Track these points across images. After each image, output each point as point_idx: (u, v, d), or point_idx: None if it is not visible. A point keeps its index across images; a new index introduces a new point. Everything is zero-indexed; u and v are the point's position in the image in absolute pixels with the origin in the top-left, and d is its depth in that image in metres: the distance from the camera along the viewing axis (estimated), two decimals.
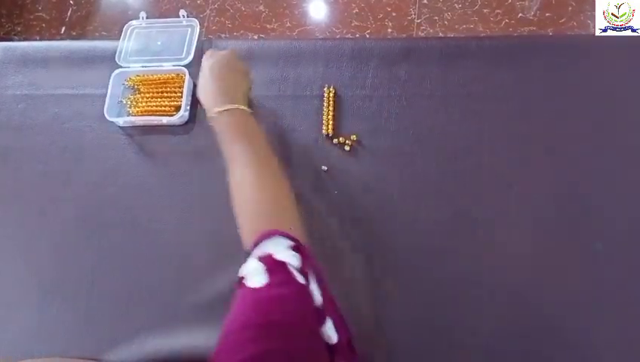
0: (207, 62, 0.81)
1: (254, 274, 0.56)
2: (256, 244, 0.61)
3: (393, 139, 0.88)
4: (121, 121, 0.95)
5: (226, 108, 0.75)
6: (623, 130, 0.84)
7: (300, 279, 0.57)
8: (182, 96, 0.93)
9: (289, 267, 0.57)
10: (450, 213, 0.83)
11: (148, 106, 0.95)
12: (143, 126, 0.95)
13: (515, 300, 0.78)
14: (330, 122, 0.90)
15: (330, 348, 0.55)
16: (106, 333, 0.84)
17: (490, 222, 0.82)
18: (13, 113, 1.01)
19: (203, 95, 0.79)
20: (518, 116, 0.87)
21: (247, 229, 0.67)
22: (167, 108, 0.94)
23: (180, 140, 0.94)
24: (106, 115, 0.93)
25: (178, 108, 0.93)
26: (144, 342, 0.82)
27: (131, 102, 0.96)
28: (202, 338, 0.81)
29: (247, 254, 0.61)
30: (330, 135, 0.89)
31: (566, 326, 0.76)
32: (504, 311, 0.77)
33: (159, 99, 0.95)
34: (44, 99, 1.01)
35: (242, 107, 0.76)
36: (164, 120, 0.93)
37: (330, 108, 0.90)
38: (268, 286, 0.55)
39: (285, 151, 0.90)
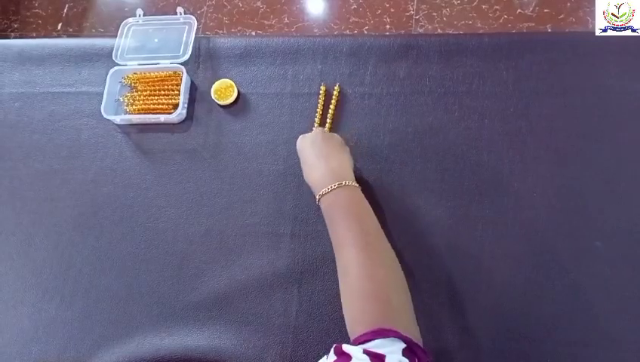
0: (302, 144, 0.79)
1: None
2: (366, 339, 0.58)
3: (392, 136, 0.87)
4: (118, 119, 0.94)
5: (334, 186, 0.71)
6: (623, 130, 0.84)
7: None
8: (179, 94, 0.93)
9: None
10: (449, 211, 0.83)
11: (145, 104, 0.94)
12: (141, 124, 0.95)
13: (515, 299, 0.78)
14: (329, 120, 0.89)
15: None
16: (103, 333, 0.84)
17: (489, 220, 0.82)
18: (10, 111, 1.00)
19: (310, 177, 0.76)
20: (518, 114, 0.86)
21: (352, 316, 0.64)
22: (164, 107, 0.94)
23: (178, 138, 0.94)
24: (103, 113, 0.92)
25: (176, 106, 0.93)
26: (142, 342, 0.82)
27: (128, 100, 0.96)
28: (201, 338, 0.81)
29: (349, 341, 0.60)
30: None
31: (566, 326, 0.76)
32: (504, 310, 0.77)
33: (156, 97, 0.95)
34: (40, 97, 1.00)
35: (351, 183, 0.73)
36: (162, 118, 0.92)
37: (331, 106, 0.90)
38: None
39: (282, 150, 0.90)
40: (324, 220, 0.84)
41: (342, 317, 0.77)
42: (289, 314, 0.80)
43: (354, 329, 0.62)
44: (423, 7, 1.82)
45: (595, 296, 0.76)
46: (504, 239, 0.80)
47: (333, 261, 0.81)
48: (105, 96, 0.94)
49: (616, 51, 0.88)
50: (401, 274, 0.68)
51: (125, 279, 0.86)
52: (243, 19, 1.92)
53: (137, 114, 0.94)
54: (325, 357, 0.57)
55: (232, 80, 0.94)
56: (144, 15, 1.00)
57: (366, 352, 0.55)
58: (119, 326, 0.84)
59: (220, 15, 1.94)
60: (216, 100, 0.93)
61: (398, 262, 0.69)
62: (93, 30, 2.02)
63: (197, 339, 0.81)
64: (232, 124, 0.93)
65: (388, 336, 0.57)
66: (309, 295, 0.81)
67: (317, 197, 0.73)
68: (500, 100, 0.87)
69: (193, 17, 0.98)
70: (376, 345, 0.57)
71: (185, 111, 0.94)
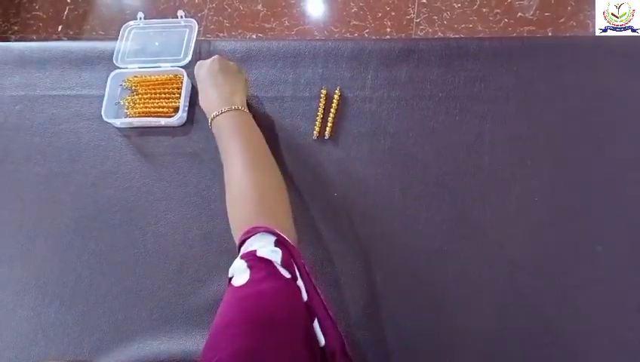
0: (199, 72, 0.83)
1: (239, 273, 0.57)
2: (242, 242, 0.62)
3: (393, 140, 0.87)
4: (118, 122, 0.94)
5: (223, 110, 0.77)
6: (624, 131, 0.84)
7: (285, 274, 0.58)
8: (180, 97, 0.93)
9: (273, 263, 0.58)
10: (450, 214, 0.83)
11: (146, 107, 0.94)
12: (141, 127, 0.95)
13: (516, 301, 0.78)
14: (329, 123, 0.89)
15: (323, 353, 0.56)
16: (103, 336, 0.84)
17: (490, 223, 0.82)
18: (10, 114, 1.00)
19: (204, 103, 0.82)
20: (519, 117, 0.86)
21: (235, 226, 0.68)
22: (165, 110, 0.94)
23: (178, 142, 0.93)
24: (103, 117, 0.92)
25: (176, 110, 0.93)
26: (142, 345, 0.82)
27: (129, 103, 0.95)
28: (201, 341, 0.80)
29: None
30: (328, 137, 0.89)
31: (566, 328, 0.76)
32: (504, 312, 0.77)
33: (157, 101, 0.94)
34: (41, 100, 1.00)
35: (239, 107, 0.78)
36: (162, 121, 0.92)
37: (332, 109, 0.90)
38: (250, 282, 0.56)
39: (284, 153, 0.89)
40: (323, 223, 0.84)
41: (341, 318, 0.78)
42: None
43: (235, 236, 0.66)
44: (424, 10, 1.82)
45: (597, 299, 0.76)
46: (505, 243, 0.80)
47: (333, 264, 0.82)
48: (105, 99, 0.94)
49: (617, 52, 0.88)
50: (279, 179, 0.74)
51: (125, 283, 0.86)
52: (243, 22, 1.92)
53: (138, 117, 0.94)
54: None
55: None
56: (145, 18, 1.00)
57: (242, 257, 0.59)
58: (119, 330, 0.83)
59: (220, 18, 1.94)
60: None
61: (279, 172, 0.75)
62: (94, 33, 2.01)
63: (197, 343, 0.81)
64: None
65: (258, 233, 0.61)
66: None
67: (209, 120, 0.78)
68: (500, 104, 0.87)
69: (194, 20, 0.98)
70: (249, 244, 0.60)
71: (185, 114, 0.94)
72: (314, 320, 0.57)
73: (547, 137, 0.85)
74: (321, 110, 0.90)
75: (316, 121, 0.90)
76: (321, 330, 0.57)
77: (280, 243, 0.61)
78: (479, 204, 0.83)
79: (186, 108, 0.94)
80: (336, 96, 0.91)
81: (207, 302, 0.83)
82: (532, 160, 0.84)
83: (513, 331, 0.76)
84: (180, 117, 0.92)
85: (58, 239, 0.90)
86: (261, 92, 0.94)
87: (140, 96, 0.96)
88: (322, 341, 0.56)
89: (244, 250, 0.61)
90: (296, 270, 0.59)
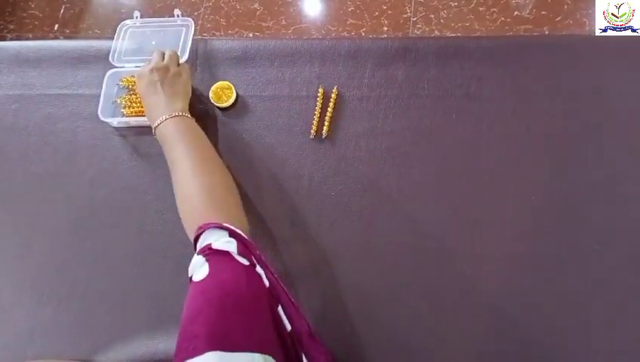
0: (140, 83, 0.85)
1: (198, 268, 0.58)
2: (196, 239, 0.64)
3: (390, 139, 0.87)
4: (115, 121, 0.94)
5: (164, 118, 0.78)
6: (622, 130, 0.84)
7: (244, 261, 0.59)
8: None
9: (230, 253, 0.59)
10: (448, 213, 0.83)
11: (142, 107, 0.94)
12: (137, 126, 0.94)
13: (513, 300, 0.78)
14: (326, 122, 0.89)
15: (291, 338, 0.57)
16: (100, 335, 0.83)
17: (487, 222, 0.82)
18: (6, 113, 0.99)
19: (147, 113, 0.83)
20: (515, 116, 0.87)
21: (188, 226, 0.70)
22: None
23: None
24: (99, 116, 0.92)
25: None
26: (139, 344, 0.82)
27: (125, 102, 0.95)
28: None
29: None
30: (325, 136, 0.89)
31: (564, 327, 0.76)
32: (501, 313, 0.77)
33: None
34: (37, 99, 0.99)
35: (180, 113, 0.80)
36: None
37: (329, 108, 0.90)
38: (210, 274, 0.56)
39: (281, 152, 0.89)
40: (322, 223, 0.84)
41: (337, 316, 0.78)
42: None
43: (189, 234, 0.67)
44: (421, 9, 1.82)
45: (594, 298, 0.76)
46: (502, 242, 0.80)
47: (331, 265, 0.82)
48: (102, 98, 0.94)
49: (616, 52, 0.88)
50: (226, 175, 0.76)
51: (122, 282, 0.86)
52: (240, 21, 1.92)
53: (134, 116, 0.94)
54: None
55: (230, 82, 0.94)
56: (141, 17, 1.00)
57: (199, 253, 0.60)
58: (115, 330, 0.83)
59: (217, 17, 1.94)
60: (214, 102, 0.93)
61: (226, 169, 0.77)
62: (90, 32, 2.01)
63: None
64: (229, 126, 0.93)
65: (209, 228, 0.63)
66: (307, 298, 0.81)
67: (152, 129, 0.80)
68: (497, 103, 0.87)
69: (190, 19, 0.98)
70: (203, 240, 0.63)
71: None
72: (278, 305, 0.59)
73: (544, 136, 0.85)
74: (318, 109, 0.90)
75: (313, 120, 0.90)
76: (286, 317, 0.59)
77: (232, 235, 0.62)
78: (476, 203, 0.83)
79: None
80: (333, 95, 0.91)
81: None
82: (528, 159, 0.84)
83: (510, 329, 0.76)
84: None
85: (54, 238, 0.90)
86: (258, 91, 0.94)
87: (136, 95, 0.95)
88: (288, 326, 0.58)
89: (199, 246, 0.63)
90: (253, 258, 0.61)
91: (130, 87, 0.96)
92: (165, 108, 0.80)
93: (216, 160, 0.77)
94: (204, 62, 0.97)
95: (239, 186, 0.88)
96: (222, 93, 0.93)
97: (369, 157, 0.87)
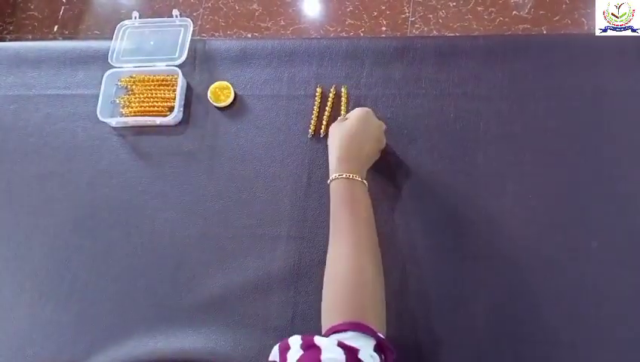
0: (335, 130, 0.80)
1: (331, 350, 0.56)
2: (342, 329, 0.60)
3: (388, 138, 0.87)
4: (114, 121, 0.94)
5: (339, 175, 0.74)
6: (622, 130, 0.84)
7: None
8: (175, 97, 0.93)
9: None
10: (445, 212, 0.83)
11: (141, 107, 0.94)
12: (136, 127, 0.95)
13: (511, 298, 0.78)
14: (325, 122, 0.89)
15: None
16: (99, 336, 0.83)
17: (485, 221, 0.82)
18: (5, 114, 1.00)
19: (330, 157, 0.78)
20: (513, 115, 0.87)
21: (332, 304, 0.67)
22: (160, 109, 0.94)
23: (174, 141, 0.93)
24: (98, 116, 0.92)
25: (171, 109, 0.93)
26: (139, 344, 0.82)
27: (124, 102, 0.95)
28: (197, 340, 0.80)
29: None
30: (323, 135, 0.89)
31: (562, 324, 0.76)
32: (500, 312, 0.77)
33: (152, 100, 0.94)
34: (36, 99, 1.00)
35: (356, 177, 0.74)
36: (158, 120, 0.92)
37: (327, 108, 0.90)
38: None
39: (280, 151, 0.90)
40: (320, 222, 0.84)
41: None
42: (285, 317, 0.80)
43: (332, 316, 0.64)
44: (419, 9, 1.82)
45: (592, 296, 0.76)
46: (500, 240, 0.80)
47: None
48: (101, 98, 0.94)
49: (616, 52, 0.88)
50: (382, 275, 0.70)
51: (121, 282, 0.86)
52: (239, 22, 1.92)
53: (133, 116, 0.94)
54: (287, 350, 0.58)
55: (228, 82, 0.94)
56: (140, 17, 1.00)
57: (340, 345, 0.56)
58: (115, 329, 0.83)
59: (216, 17, 1.94)
60: (212, 102, 0.93)
61: (379, 257, 0.72)
62: (89, 32, 2.01)
63: (193, 342, 0.80)
64: (228, 126, 0.93)
65: (363, 331, 0.59)
66: (306, 297, 0.81)
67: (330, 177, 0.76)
68: (495, 102, 0.88)
69: (189, 20, 0.98)
70: (351, 337, 0.59)
71: (181, 113, 0.94)
72: None
73: (542, 135, 0.85)
74: (316, 108, 0.90)
75: (311, 119, 0.90)
76: None
77: (379, 348, 0.60)
78: (474, 202, 0.83)
79: (182, 108, 0.94)
80: (331, 95, 0.91)
81: (203, 301, 0.83)
82: (526, 158, 0.84)
83: (508, 327, 0.76)
84: (176, 116, 0.92)
85: (54, 238, 0.90)
86: (256, 91, 0.94)
87: (135, 95, 0.96)
88: None
89: (342, 337, 0.59)
90: None
91: (129, 87, 0.96)
92: (347, 165, 0.75)
93: (379, 251, 0.72)
94: (202, 62, 0.97)
95: (239, 186, 0.89)
96: (220, 93, 0.93)
97: None
